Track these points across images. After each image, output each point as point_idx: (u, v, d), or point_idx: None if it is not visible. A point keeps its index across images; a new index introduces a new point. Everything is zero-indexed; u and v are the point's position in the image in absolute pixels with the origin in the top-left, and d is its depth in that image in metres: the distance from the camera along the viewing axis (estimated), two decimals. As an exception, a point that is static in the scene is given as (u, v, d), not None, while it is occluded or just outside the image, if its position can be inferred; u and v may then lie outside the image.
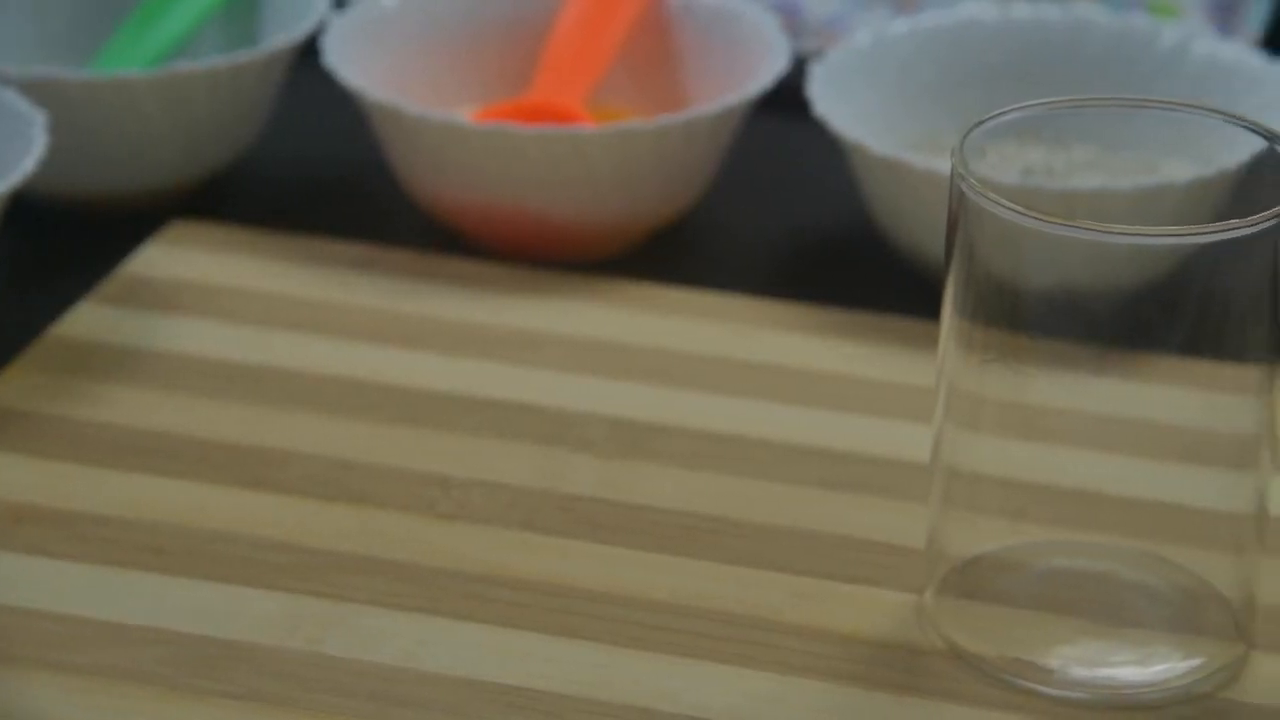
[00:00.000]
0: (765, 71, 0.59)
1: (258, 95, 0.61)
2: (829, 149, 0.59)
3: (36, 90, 0.58)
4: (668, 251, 0.60)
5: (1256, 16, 0.69)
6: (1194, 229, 0.43)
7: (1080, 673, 0.45)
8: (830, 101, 0.58)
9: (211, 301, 0.57)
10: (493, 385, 0.54)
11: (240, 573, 0.47)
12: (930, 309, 0.45)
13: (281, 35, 0.62)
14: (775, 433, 0.52)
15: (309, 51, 0.62)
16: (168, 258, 0.59)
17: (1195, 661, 0.45)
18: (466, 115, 0.61)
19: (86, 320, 0.56)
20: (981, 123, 0.45)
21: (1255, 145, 0.44)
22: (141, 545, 0.48)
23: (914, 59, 0.62)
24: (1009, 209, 0.43)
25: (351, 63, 0.60)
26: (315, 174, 0.64)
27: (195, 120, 0.60)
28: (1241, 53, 0.60)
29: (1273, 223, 0.42)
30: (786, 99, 0.61)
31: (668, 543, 0.48)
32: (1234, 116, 0.45)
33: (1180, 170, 0.51)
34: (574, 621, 0.46)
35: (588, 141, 0.57)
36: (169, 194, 0.62)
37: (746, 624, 0.46)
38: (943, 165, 0.44)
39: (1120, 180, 0.55)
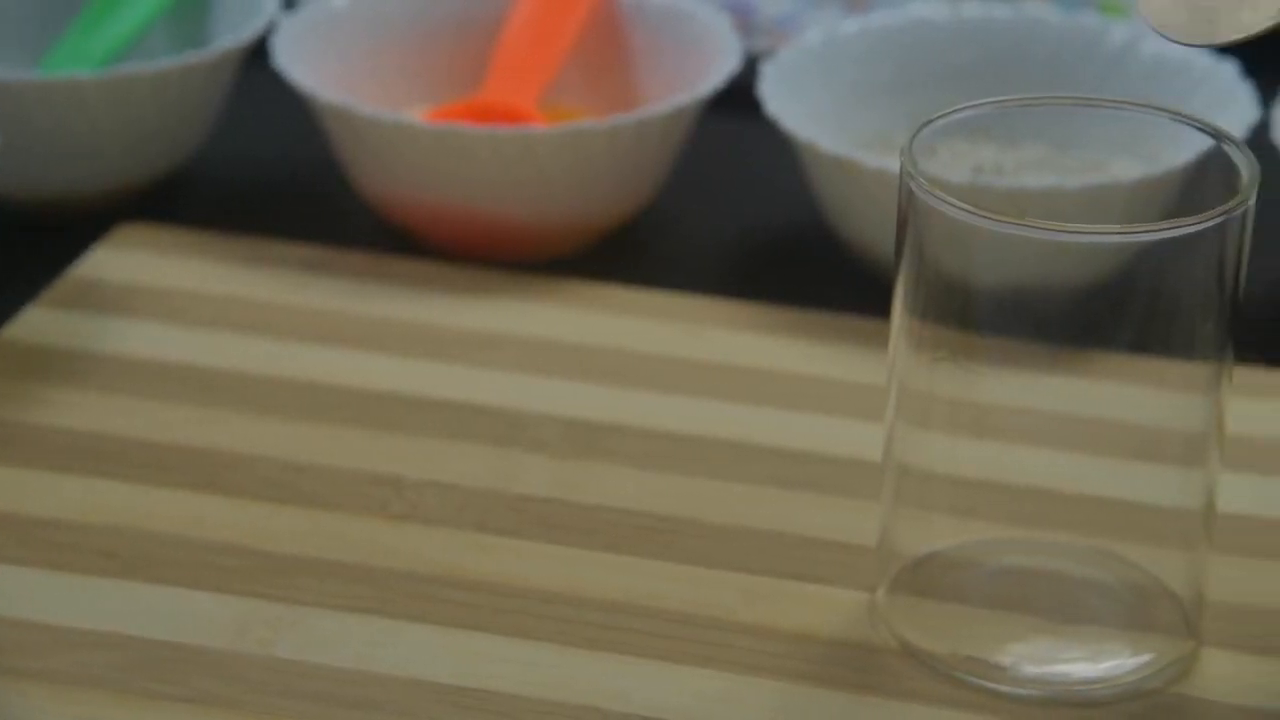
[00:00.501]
0: (717, 71, 0.59)
1: (207, 96, 0.61)
2: (781, 148, 0.59)
3: (-16, 92, 0.57)
4: (621, 251, 0.60)
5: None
6: (1142, 227, 0.43)
7: (1032, 670, 0.45)
8: (782, 101, 0.58)
9: (162, 304, 0.57)
10: (445, 386, 0.54)
11: (192, 576, 0.47)
12: (883, 307, 0.45)
13: (231, 36, 0.61)
14: (728, 432, 0.52)
15: (259, 52, 0.62)
16: (118, 260, 0.58)
17: (1145, 658, 0.45)
18: (418, 116, 0.61)
19: (36, 324, 0.56)
20: (930, 122, 0.45)
21: (1202, 144, 0.45)
22: (92, 549, 0.48)
23: (865, 58, 0.62)
24: (958, 208, 0.43)
25: (302, 63, 0.59)
26: (266, 175, 0.64)
27: (145, 122, 0.60)
28: (1189, 52, 0.61)
29: (1219, 220, 0.43)
30: (738, 98, 0.61)
31: (621, 543, 0.48)
32: (1181, 115, 0.45)
33: (1129, 169, 0.51)
34: (527, 622, 0.46)
35: (540, 142, 0.57)
36: (118, 196, 0.61)
37: (699, 623, 0.46)
38: (893, 164, 0.44)
39: (1069, 179, 0.56)
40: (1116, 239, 0.43)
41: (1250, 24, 0.38)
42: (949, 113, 0.45)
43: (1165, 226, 0.43)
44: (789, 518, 0.49)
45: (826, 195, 0.58)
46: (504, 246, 0.59)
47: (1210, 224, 0.43)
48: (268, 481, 0.50)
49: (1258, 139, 0.56)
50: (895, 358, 0.45)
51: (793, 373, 0.54)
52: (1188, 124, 0.45)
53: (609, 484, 0.50)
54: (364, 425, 0.52)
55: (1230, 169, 0.44)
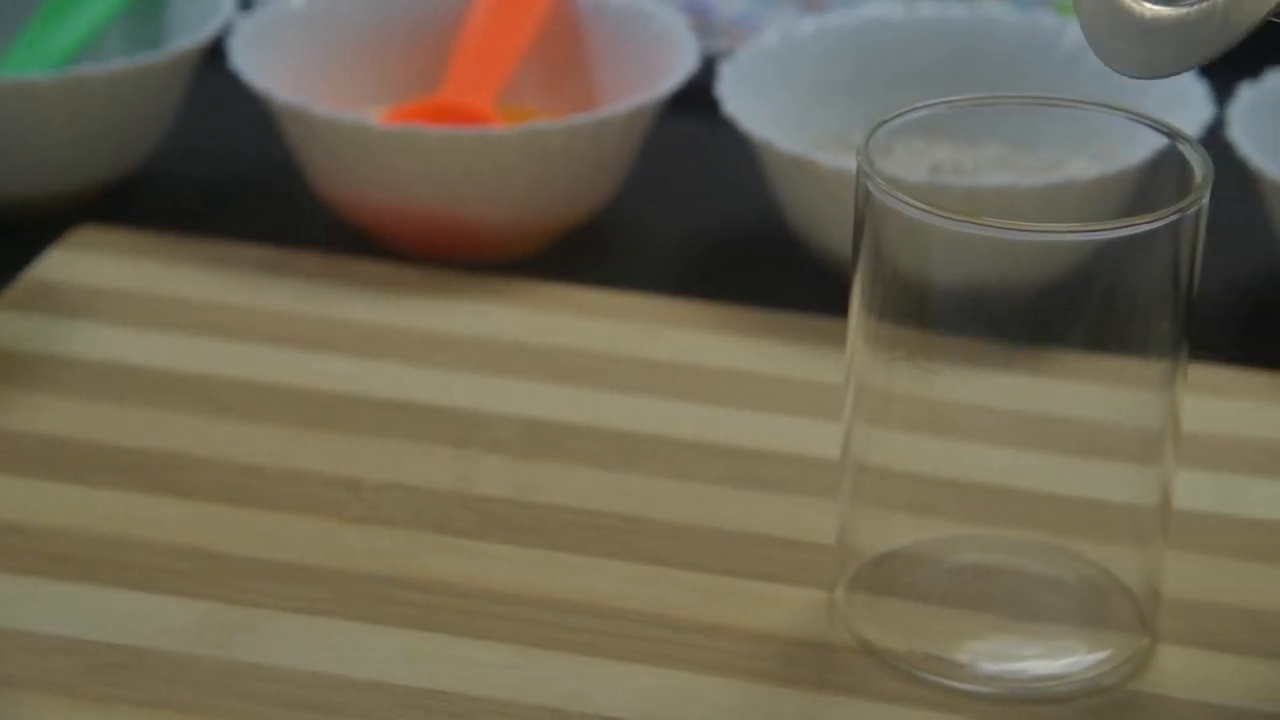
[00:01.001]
0: (675, 71, 0.59)
1: (163, 98, 0.61)
2: (739, 148, 0.59)
3: (-63, 93, 0.57)
4: (579, 252, 0.60)
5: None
6: (1097, 226, 0.44)
7: (989, 667, 0.45)
8: (739, 100, 0.58)
9: (118, 306, 0.56)
10: (404, 387, 0.54)
11: (147, 579, 0.47)
12: (841, 306, 0.45)
13: (186, 37, 0.61)
14: (686, 432, 0.52)
15: (215, 53, 0.61)
16: (74, 263, 0.58)
17: (1102, 654, 0.45)
18: (375, 116, 0.61)
19: (-10, 326, 0.55)
20: (886, 121, 0.45)
21: (1157, 143, 0.45)
22: (47, 553, 0.48)
23: (823, 58, 0.62)
24: (914, 206, 0.43)
25: (258, 64, 0.59)
26: (223, 176, 0.64)
27: (100, 123, 0.59)
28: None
29: (1174, 219, 0.43)
30: (696, 98, 0.61)
31: (579, 543, 0.48)
32: (1137, 114, 0.45)
33: (1085, 168, 0.52)
34: (486, 623, 0.46)
35: (497, 142, 0.57)
36: (74, 198, 0.61)
37: (659, 623, 0.46)
38: (851, 163, 0.44)
39: (1026, 178, 0.56)
40: (1072, 238, 0.43)
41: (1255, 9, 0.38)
42: (905, 112, 0.45)
43: (1120, 225, 0.43)
44: (747, 517, 0.49)
45: (784, 195, 0.58)
46: (462, 247, 0.59)
47: (1165, 222, 0.43)
48: (224, 484, 0.50)
49: (1212, 137, 0.56)
50: (853, 357, 0.45)
51: (751, 372, 0.54)
52: (1143, 123, 0.45)
53: (568, 484, 0.50)
54: (322, 427, 0.52)
55: (1184, 168, 0.44)
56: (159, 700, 0.44)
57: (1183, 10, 0.40)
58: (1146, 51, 0.40)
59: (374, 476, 0.50)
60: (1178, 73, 0.40)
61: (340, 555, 0.48)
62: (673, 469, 0.51)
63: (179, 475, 0.50)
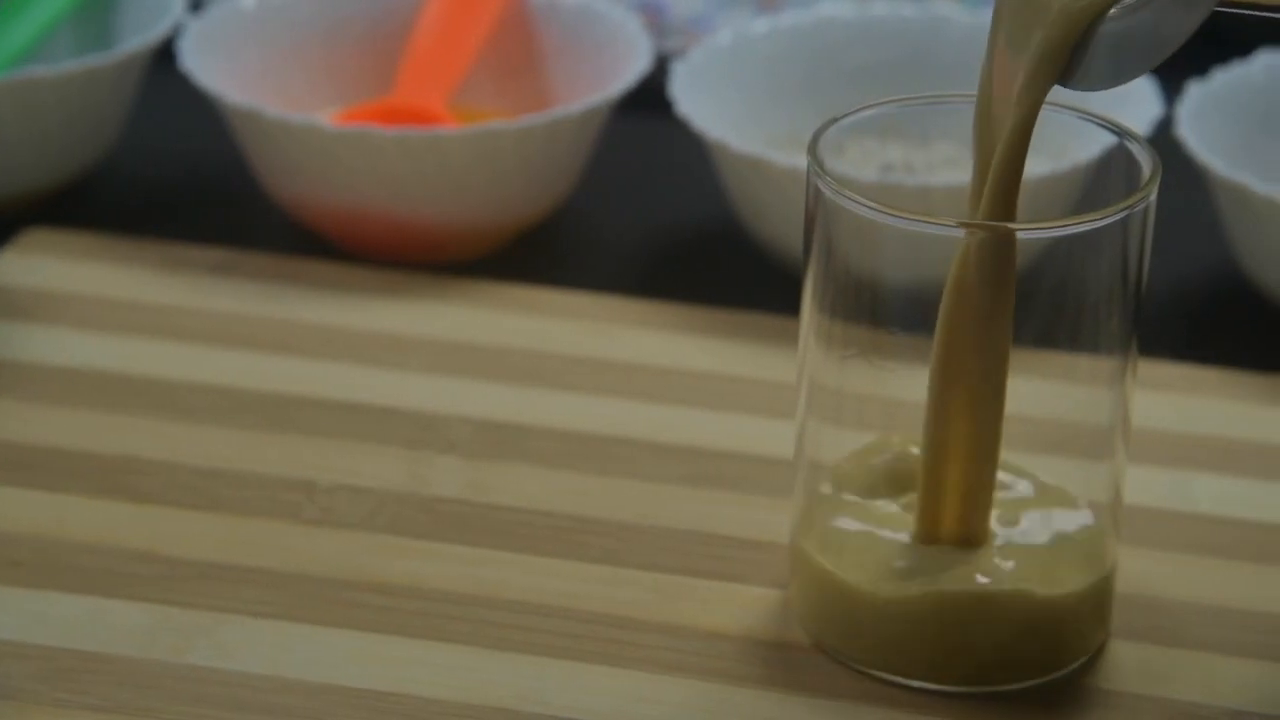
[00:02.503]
0: (628, 71, 0.59)
1: (113, 99, 0.60)
2: (693, 148, 0.59)
3: (-115, 96, 0.57)
4: (533, 252, 0.60)
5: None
6: (1048, 223, 0.44)
7: (943, 663, 0.45)
8: (693, 100, 0.58)
9: (69, 309, 0.56)
10: (357, 389, 0.53)
11: (101, 584, 0.47)
12: (795, 305, 0.46)
13: (136, 38, 0.61)
14: (640, 431, 0.52)
15: (165, 54, 0.61)
16: (24, 266, 0.58)
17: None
18: (327, 118, 0.61)
19: (-60, 330, 0.55)
20: (836, 120, 0.45)
21: (1106, 141, 0.45)
22: (0, 558, 0.48)
23: (776, 58, 0.62)
24: (864, 205, 0.43)
25: (209, 65, 0.59)
26: (174, 178, 0.63)
27: (49, 126, 0.59)
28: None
29: (1122, 216, 0.43)
30: (650, 98, 0.61)
31: (534, 543, 0.48)
32: (1086, 113, 0.46)
33: (1034, 165, 0.52)
34: (440, 624, 0.46)
35: (450, 143, 0.57)
36: (24, 201, 0.61)
37: (613, 623, 0.46)
38: (803, 163, 0.45)
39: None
40: (1022, 235, 0.43)
41: None
42: (854, 111, 0.46)
43: (1069, 222, 0.43)
44: (701, 516, 0.49)
45: (737, 194, 0.58)
46: (415, 248, 0.59)
47: (1113, 219, 0.43)
48: (178, 487, 0.50)
49: (1161, 135, 0.57)
50: (805, 355, 0.45)
51: (705, 371, 0.55)
52: (1092, 121, 0.45)
53: (522, 485, 0.50)
54: (275, 429, 0.52)
55: (1133, 165, 0.44)
56: (114, 705, 0.44)
57: (1116, 24, 0.40)
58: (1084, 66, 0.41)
59: (327, 478, 0.50)
60: (1115, 85, 0.41)
61: (294, 558, 0.48)
62: (627, 468, 0.51)
63: (132, 479, 0.50)
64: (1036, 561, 0.44)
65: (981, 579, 0.44)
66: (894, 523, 0.45)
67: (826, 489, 0.45)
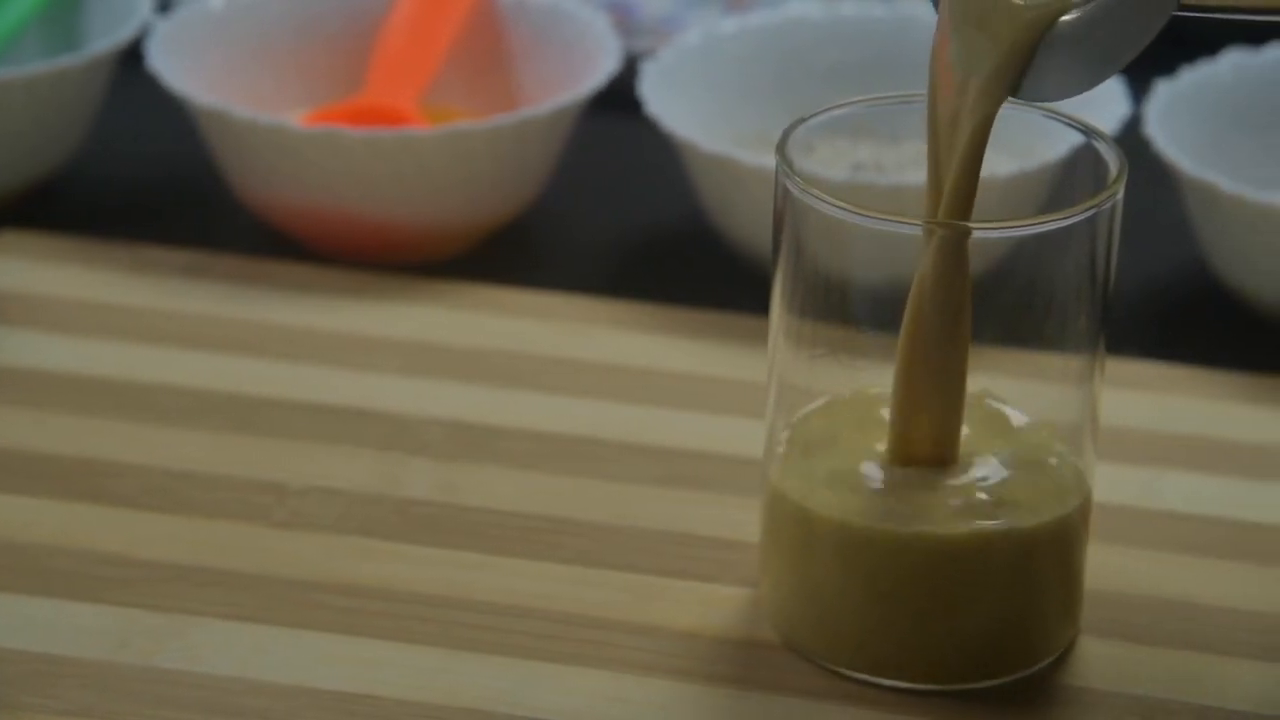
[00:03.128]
0: (597, 71, 0.59)
1: (81, 101, 0.60)
2: (663, 147, 0.59)
3: None
4: (504, 252, 0.60)
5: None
6: (1016, 222, 0.44)
7: (914, 661, 0.45)
8: (662, 100, 0.58)
9: (39, 312, 0.56)
10: (328, 390, 0.53)
11: (70, 587, 0.47)
12: (766, 304, 0.46)
13: (104, 40, 0.61)
14: (612, 432, 0.52)
15: (133, 55, 0.61)
16: (-8, 268, 0.58)
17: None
18: (297, 119, 0.60)
19: (-93, 333, 0.55)
20: (804, 120, 0.45)
21: (1074, 140, 0.45)
22: (-33, 562, 0.47)
23: (746, 57, 0.62)
24: (831, 204, 0.43)
25: (177, 66, 0.59)
26: (143, 180, 0.63)
27: (17, 127, 0.59)
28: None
29: (1090, 214, 0.43)
30: (620, 98, 0.61)
31: (506, 545, 0.48)
32: (1054, 112, 0.46)
33: (1003, 164, 0.52)
34: (411, 626, 0.46)
35: (419, 143, 0.57)
36: (-8, 202, 0.60)
37: (585, 624, 0.46)
38: (772, 162, 0.45)
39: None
40: (991, 234, 0.44)
41: None
42: (824, 111, 0.46)
43: (1036, 221, 0.43)
44: (673, 516, 0.49)
45: (707, 194, 0.59)
46: (386, 249, 0.59)
47: (1081, 218, 0.43)
48: (148, 489, 0.50)
49: (1129, 134, 0.57)
50: (775, 354, 0.45)
51: (676, 371, 0.55)
52: (1060, 121, 0.46)
53: (494, 486, 0.50)
54: (246, 431, 0.52)
55: (1100, 164, 0.44)
56: (84, 709, 0.44)
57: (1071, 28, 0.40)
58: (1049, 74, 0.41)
59: (298, 480, 0.50)
60: (1067, 96, 0.41)
61: (265, 560, 0.48)
62: (598, 469, 0.51)
63: (101, 481, 0.50)
64: (1010, 488, 0.44)
65: (954, 502, 0.43)
66: (866, 453, 0.44)
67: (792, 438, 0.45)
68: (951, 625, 0.44)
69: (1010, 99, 0.42)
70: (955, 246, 0.42)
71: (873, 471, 0.44)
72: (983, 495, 0.44)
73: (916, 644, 0.44)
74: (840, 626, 0.45)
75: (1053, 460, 0.45)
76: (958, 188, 0.42)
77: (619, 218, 0.62)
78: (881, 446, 0.44)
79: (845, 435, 0.45)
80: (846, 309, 0.45)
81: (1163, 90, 0.59)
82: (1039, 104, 0.42)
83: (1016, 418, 0.45)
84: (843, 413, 0.45)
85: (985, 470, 0.44)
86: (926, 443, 0.44)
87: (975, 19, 0.42)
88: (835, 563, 0.44)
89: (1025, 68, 0.41)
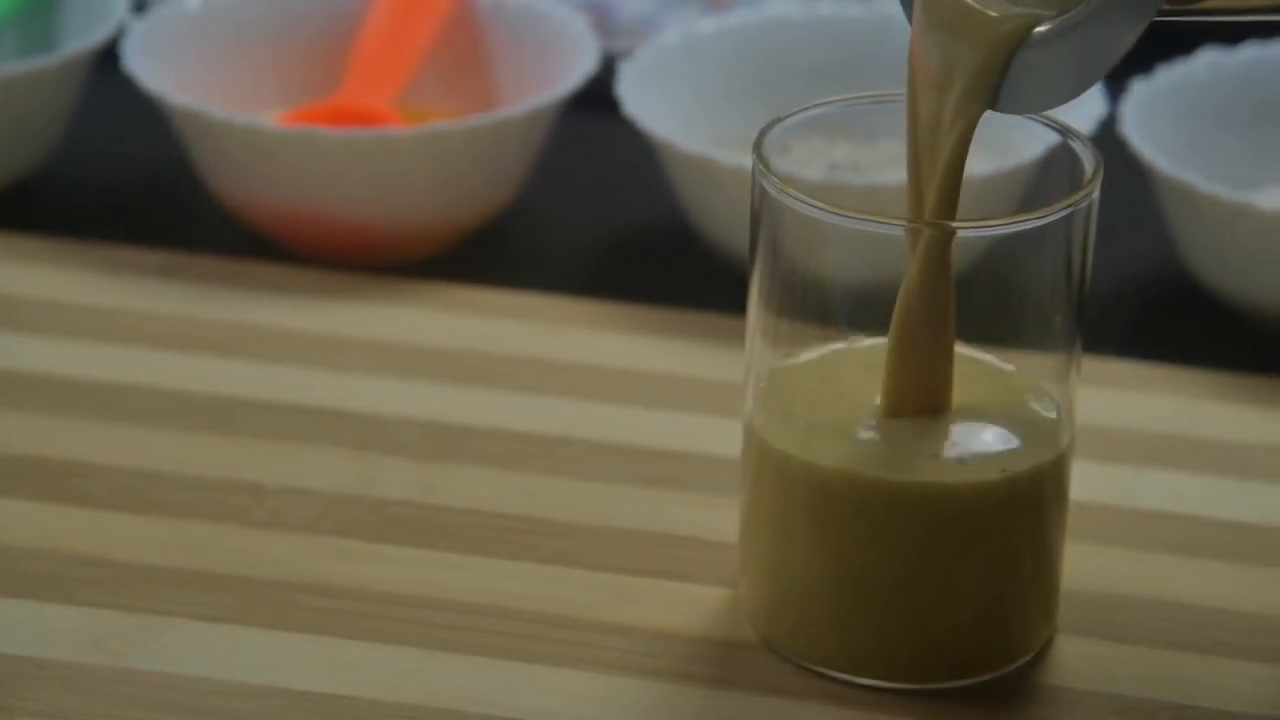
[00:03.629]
0: (575, 71, 0.59)
1: (57, 101, 0.60)
2: (641, 147, 0.59)
3: None
4: (481, 253, 0.60)
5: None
6: (992, 221, 0.44)
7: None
8: (640, 100, 0.58)
9: (13, 313, 0.56)
10: (305, 391, 0.53)
11: (44, 589, 0.46)
12: (744, 304, 0.46)
13: (79, 40, 0.61)
14: (589, 431, 0.52)
15: (109, 56, 0.61)
16: (-33, 269, 0.57)
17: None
18: (273, 119, 0.60)
19: (-119, 334, 0.55)
20: (781, 120, 0.45)
21: (1050, 139, 0.45)
22: (-59, 564, 0.47)
23: (724, 57, 0.62)
24: (807, 204, 0.43)
25: (153, 67, 0.59)
26: (119, 180, 0.63)
27: (-8, 127, 0.59)
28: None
29: (1066, 213, 0.43)
30: (597, 98, 0.61)
31: (482, 545, 0.48)
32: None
33: (978, 164, 0.52)
34: (388, 626, 0.46)
35: (396, 143, 0.57)
36: (-33, 203, 0.60)
37: (563, 624, 0.46)
38: (749, 162, 0.45)
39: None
40: (967, 233, 0.44)
41: None
42: (800, 110, 0.46)
43: (1012, 220, 0.43)
44: (651, 516, 0.49)
45: (685, 194, 0.59)
46: (363, 249, 0.59)
47: (1057, 217, 0.43)
48: (123, 490, 0.49)
49: (1106, 133, 0.57)
50: (752, 354, 0.45)
51: (654, 371, 0.55)
52: (1036, 120, 0.46)
53: (471, 486, 0.50)
54: (222, 432, 0.52)
55: (1076, 163, 0.44)
56: (58, 711, 0.43)
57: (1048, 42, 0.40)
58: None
59: (275, 481, 0.50)
60: (1045, 109, 0.41)
61: (241, 561, 0.48)
62: (575, 469, 0.51)
63: (77, 482, 0.50)
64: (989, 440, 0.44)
65: (942, 450, 0.43)
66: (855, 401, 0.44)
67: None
68: (927, 607, 0.44)
69: (990, 110, 0.42)
70: (940, 247, 0.42)
71: (862, 422, 0.44)
72: (970, 443, 0.43)
73: (895, 642, 0.44)
74: (819, 624, 0.45)
75: (1036, 407, 0.44)
76: (940, 201, 0.42)
77: (596, 218, 0.62)
78: (871, 399, 0.44)
79: (833, 389, 0.44)
80: (823, 308, 0.45)
81: (1139, 89, 0.59)
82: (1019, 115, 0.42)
83: (1001, 366, 0.45)
84: (830, 368, 0.45)
85: (973, 419, 0.44)
86: (917, 396, 0.43)
87: (950, 29, 0.42)
88: (813, 524, 0.43)
89: (1002, 80, 0.41)
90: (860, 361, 0.44)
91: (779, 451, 0.44)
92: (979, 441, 0.44)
